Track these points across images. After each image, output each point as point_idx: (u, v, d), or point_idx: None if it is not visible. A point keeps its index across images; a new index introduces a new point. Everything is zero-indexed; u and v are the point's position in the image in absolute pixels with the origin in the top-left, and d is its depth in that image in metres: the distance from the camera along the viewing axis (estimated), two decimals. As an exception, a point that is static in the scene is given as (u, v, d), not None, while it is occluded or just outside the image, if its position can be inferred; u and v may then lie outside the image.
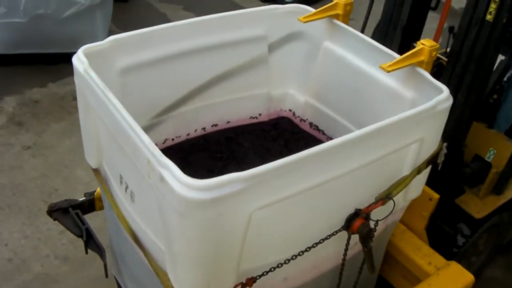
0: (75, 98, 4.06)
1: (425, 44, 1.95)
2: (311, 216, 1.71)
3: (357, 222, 1.77)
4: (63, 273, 2.87)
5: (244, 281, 1.66)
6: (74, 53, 4.95)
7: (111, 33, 4.77)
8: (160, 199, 1.50)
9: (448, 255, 2.32)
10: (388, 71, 1.89)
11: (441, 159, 1.99)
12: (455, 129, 2.25)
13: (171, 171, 1.42)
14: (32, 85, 4.31)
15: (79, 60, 1.84)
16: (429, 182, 2.14)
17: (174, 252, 1.57)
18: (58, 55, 4.48)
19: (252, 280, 1.67)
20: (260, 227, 1.55)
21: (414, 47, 2.22)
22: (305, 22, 2.14)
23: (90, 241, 2.25)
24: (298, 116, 2.46)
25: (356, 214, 1.78)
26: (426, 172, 2.00)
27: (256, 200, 1.48)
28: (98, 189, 2.47)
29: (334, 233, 1.76)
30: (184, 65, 2.17)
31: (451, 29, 2.75)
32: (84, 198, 2.45)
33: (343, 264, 1.88)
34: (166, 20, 5.38)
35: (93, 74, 1.76)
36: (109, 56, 1.96)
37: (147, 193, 1.63)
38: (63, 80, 4.41)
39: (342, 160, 1.62)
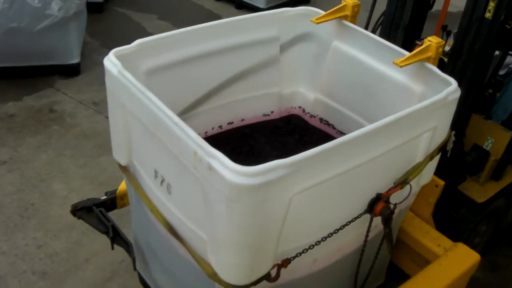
0: (51, 111, 4.22)
1: (432, 41, 2.15)
2: (339, 200, 1.89)
3: (379, 205, 1.97)
4: (41, 289, 2.93)
5: (280, 262, 1.83)
6: (48, 65, 4.72)
7: (86, 44, 5.01)
8: (207, 188, 1.65)
9: (454, 239, 2.53)
10: (401, 66, 2.09)
11: (450, 146, 2.20)
12: (457, 120, 2.47)
13: (220, 160, 1.58)
14: (6, 99, 4.35)
15: (112, 63, 1.97)
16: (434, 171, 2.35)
17: (219, 239, 1.71)
18: (33, 68, 4.56)
19: (287, 261, 1.84)
20: (296, 211, 1.72)
21: (416, 44, 2.44)
22: (318, 23, 2.33)
23: (117, 237, 2.39)
24: (308, 113, 2.65)
25: (378, 198, 1.98)
26: (436, 159, 2.20)
27: (296, 185, 1.64)
28: (120, 188, 2.61)
29: (359, 216, 1.95)
30: (202, 66, 2.33)
31: (444, 27, 2.99)
32: (105, 197, 2.59)
33: (364, 245, 2.07)
34: (141, 29, 5.73)
35: (128, 75, 1.90)
36: (135, 59, 2.09)
37: (188, 184, 1.79)
38: (39, 93, 4.46)
39: (368, 147, 1.80)
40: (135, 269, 2.37)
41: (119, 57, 2.01)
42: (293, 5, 2.59)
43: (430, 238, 2.49)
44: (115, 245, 2.40)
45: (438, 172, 2.43)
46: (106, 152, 3.82)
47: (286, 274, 1.87)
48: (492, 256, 2.60)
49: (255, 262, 1.75)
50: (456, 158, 2.59)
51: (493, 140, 2.70)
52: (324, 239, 1.89)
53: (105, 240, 2.99)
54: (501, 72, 2.90)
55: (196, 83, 2.36)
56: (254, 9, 6.01)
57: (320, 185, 1.72)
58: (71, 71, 4.71)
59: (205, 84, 2.40)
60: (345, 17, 2.41)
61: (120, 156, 2.18)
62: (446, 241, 2.48)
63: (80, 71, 4.77)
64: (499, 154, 2.71)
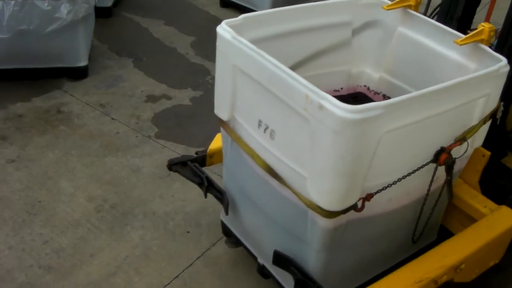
0: (59, 112, 4.76)
1: (485, 26, 2.74)
2: (412, 147, 2.45)
3: (443, 156, 2.54)
4: (47, 282, 3.20)
5: (365, 196, 2.40)
6: (57, 68, 5.20)
7: (93, 48, 5.56)
8: (315, 125, 2.20)
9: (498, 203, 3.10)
10: (461, 44, 2.68)
11: (499, 114, 2.79)
12: (503, 97, 3.05)
13: (329, 100, 2.15)
14: (16, 99, 4.77)
15: (225, 30, 2.57)
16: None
17: (322, 169, 2.26)
18: (42, 70, 5.00)
19: (370, 195, 2.39)
20: (382, 150, 2.28)
21: (467, 33, 3.05)
22: (388, 9, 2.95)
23: (210, 187, 2.96)
24: (372, 90, 3.24)
25: (442, 150, 2.55)
26: (486, 126, 2.78)
27: (386, 124, 2.20)
28: (210, 147, 3.19)
29: (427, 164, 2.52)
30: (289, 42, 2.90)
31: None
32: (196, 155, 3.17)
33: (428, 191, 2.64)
34: (148, 34, 6.27)
35: (243, 39, 2.50)
36: (240, 30, 2.63)
37: (293, 127, 2.35)
38: (47, 95, 4.90)
39: (439, 101, 2.36)
40: (227, 213, 2.94)
41: (230, 26, 2.61)
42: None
43: (478, 201, 3.05)
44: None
45: (485, 146, 3.00)
46: (112, 153, 4.28)
47: (367, 209, 2.41)
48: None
49: (348, 190, 2.31)
50: (500, 136, 3.17)
51: (532, 121, 3.30)
52: (399, 180, 2.46)
53: (109, 236, 3.51)
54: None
55: (283, 56, 2.90)
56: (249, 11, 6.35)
57: (401, 129, 2.29)
58: (78, 74, 5.14)
59: (290, 58, 2.96)
60: (409, 6, 3.02)
61: (222, 112, 2.74)
62: (492, 204, 3.04)
63: (88, 74, 5.20)
64: (538, 132, 3.32)
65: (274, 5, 6.34)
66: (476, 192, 3.11)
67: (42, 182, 3.93)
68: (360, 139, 2.19)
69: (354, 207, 2.37)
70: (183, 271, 3.34)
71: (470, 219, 3.05)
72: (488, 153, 3.05)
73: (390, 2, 3.02)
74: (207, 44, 6.00)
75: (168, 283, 3.26)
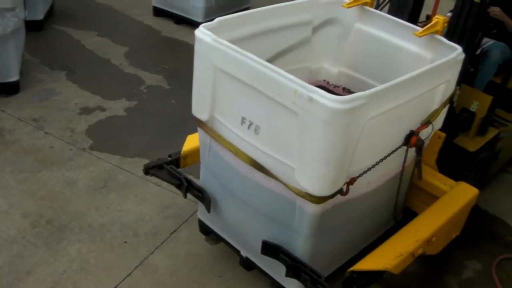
0: None
1: (439, 18, 3.05)
2: (387, 133, 2.71)
3: (413, 138, 2.82)
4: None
5: (348, 180, 2.63)
6: None
7: (25, 62, 5.54)
8: (305, 117, 2.40)
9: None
10: (420, 36, 2.98)
11: (455, 98, 3.11)
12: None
13: (318, 93, 2.35)
14: None
15: (204, 33, 2.72)
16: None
17: (312, 158, 2.45)
18: None
19: (354, 179, 2.63)
20: (364, 136, 2.52)
21: (419, 25, 3.36)
22: (348, 7, 3.21)
23: (190, 187, 3.09)
24: (332, 84, 3.49)
25: (412, 133, 2.83)
26: (445, 111, 3.10)
27: (369, 112, 2.44)
28: (183, 149, 3.32)
29: (400, 147, 2.79)
30: (258, 42, 3.07)
31: (428, 16, 3.97)
32: (170, 158, 3.28)
33: (402, 170, 2.93)
34: (80, 46, 6.29)
35: (225, 41, 2.66)
36: (216, 33, 2.80)
37: (279, 121, 2.54)
38: None
39: (410, 88, 2.63)
40: (209, 211, 3.08)
41: (208, 30, 2.76)
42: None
43: (438, 179, 3.37)
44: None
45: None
46: (46, 167, 4.25)
47: (350, 192, 2.65)
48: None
49: (336, 176, 2.52)
50: (450, 119, 3.51)
51: (478, 102, 3.66)
52: (377, 163, 2.71)
53: (46, 252, 3.52)
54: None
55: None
56: (193, 23, 6.47)
57: (380, 116, 2.52)
58: (10, 89, 5.08)
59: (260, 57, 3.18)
60: (365, 3, 3.29)
61: (201, 112, 2.88)
62: (450, 181, 3.37)
63: (20, 88, 5.15)
64: (483, 113, 3.68)
65: (206, 14, 6.55)
66: (435, 171, 3.43)
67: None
68: (349, 127, 2.41)
69: (340, 192, 2.60)
70: (122, 281, 3.35)
71: (432, 197, 3.36)
72: (443, 135, 3.38)
73: (348, 1, 3.28)
74: (141, 53, 6.07)
75: (107, 295, 3.28)
